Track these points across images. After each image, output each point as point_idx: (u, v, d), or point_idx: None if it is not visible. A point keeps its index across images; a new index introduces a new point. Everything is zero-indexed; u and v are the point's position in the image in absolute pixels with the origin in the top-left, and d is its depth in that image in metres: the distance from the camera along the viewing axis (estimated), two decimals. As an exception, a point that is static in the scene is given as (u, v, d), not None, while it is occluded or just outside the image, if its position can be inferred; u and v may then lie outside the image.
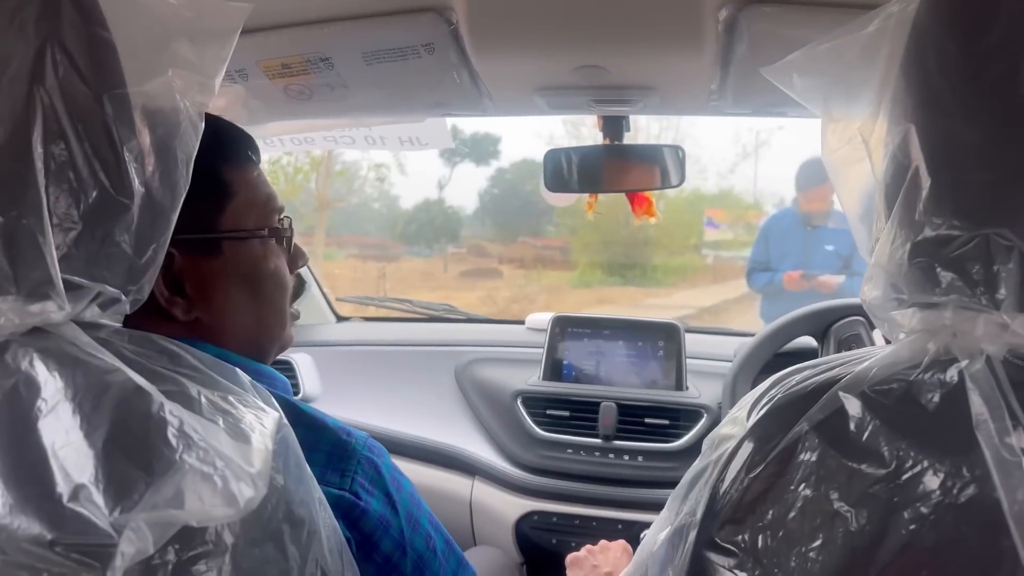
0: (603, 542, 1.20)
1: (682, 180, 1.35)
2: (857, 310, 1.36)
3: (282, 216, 0.83)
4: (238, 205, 0.77)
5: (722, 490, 0.59)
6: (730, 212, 14.81)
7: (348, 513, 0.72)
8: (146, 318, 0.70)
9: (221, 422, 0.55)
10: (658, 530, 0.82)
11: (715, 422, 1.53)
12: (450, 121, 1.61)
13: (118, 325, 0.63)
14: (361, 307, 2.31)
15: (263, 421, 0.58)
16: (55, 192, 0.58)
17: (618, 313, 1.75)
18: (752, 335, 1.89)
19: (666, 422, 1.56)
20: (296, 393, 1.75)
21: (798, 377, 0.61)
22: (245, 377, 0.65)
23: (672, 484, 1.46)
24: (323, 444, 0.75)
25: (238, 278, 0.77)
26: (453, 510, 1.60)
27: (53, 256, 0.57)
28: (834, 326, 1.37)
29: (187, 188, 0.68)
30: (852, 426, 0.54)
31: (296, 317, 0.89)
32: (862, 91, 0.63)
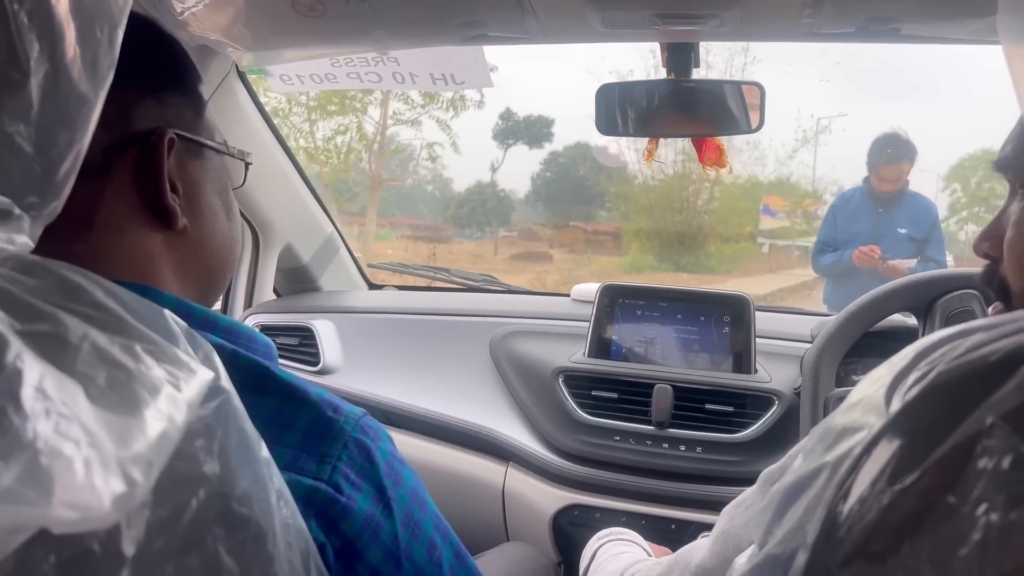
0: None
1: (761, 124, 1.14)
2: (969, 282, 1.14)
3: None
4: (208, 119, 0.68)
5: (848, 507, 0.39)
6: (787, 200, 14.47)
7: (325, 511, 0.55)
8: (136, 222, 0.60)
9: (102, 379, 0.37)
10: (723, 548, 0.63)
11: (788, 410, 1.32)
12: (493, 75, 1.43)
13: (10, 248, 0.46)
14: (395, 275, 2.15)
15: (180, 383, 0.41)
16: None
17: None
18: (827, 315, 1.67)
19: (730, 409, 1.35)
20: (316, 363, 1.60)
21: (968, 343, 0.40)
22: (178, 325, 0.47)
23: (735, 481, 1.28)
24: (300, 421, 0.58)
25: (215, 190, 0.67)
26: (484, 500, 1.43)
27: None
28: (941, 300, 1.14)
29: (112, 72, 0.50)
30: None
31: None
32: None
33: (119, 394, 0.37)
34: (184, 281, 0.63)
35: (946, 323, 1.12)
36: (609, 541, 0.96)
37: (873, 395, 0.43)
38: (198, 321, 0.60)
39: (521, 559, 1.32)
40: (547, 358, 1.49)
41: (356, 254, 2.00)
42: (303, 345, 1.63)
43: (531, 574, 1.30)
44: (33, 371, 0.36)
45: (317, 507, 0.54)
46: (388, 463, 0.60)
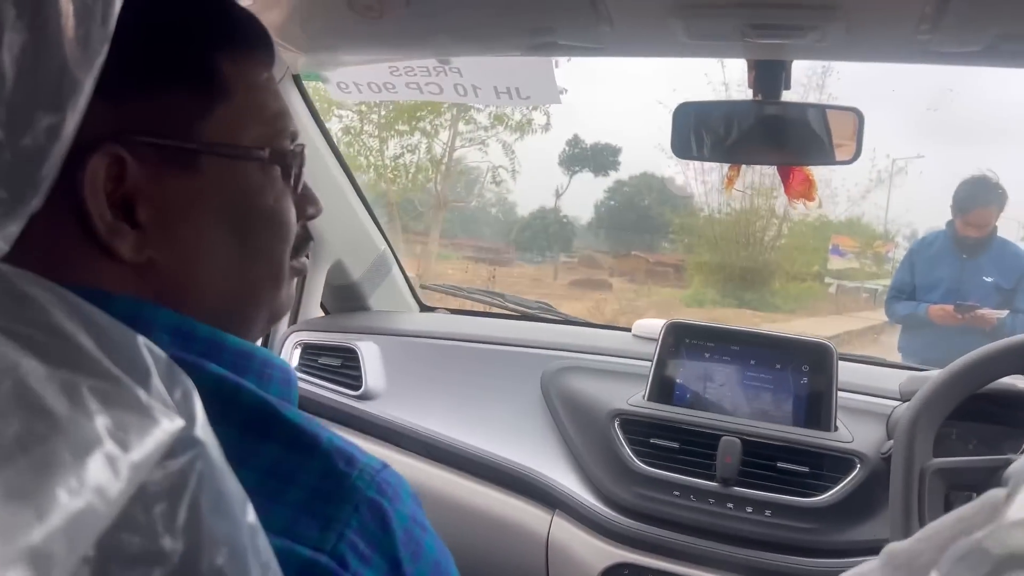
0: None
1: (857, 155, 1.02)
2: (1098, 345, 0.99)
3: (295, 144, 0.59)
4: (233, 110, 0.54)
5: None
6: (857, 240, 14.10)
7: None
8: (80, 252, 0.49)
9: (12, 430, 0.28)
10: None
11: (872, 476, 1.18)
12: (563, 98, 1.34)
13: None
14: (448, 298, 2.07)
15: (129, 437, 0.32)
16: None
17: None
18: (914, 368, 1.52)
19: (805, 469, 1.22)
20: (358, 387, 1.51)
21: None
22: (153, 356, 0.38)
23: (808, 551, 1.13)
24: (306, 474, 0.48)
25: (220, 210, 0.54)
26: (526, 549, 1.32)
27: None
28: (1061, 364, 1.00)
29: (108, 42, 0.42)
30: None
31: (300, 272, 0.63)
32: None
33: (28, 456, 0.28)
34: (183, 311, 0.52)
35: (1068, 391, 0.98)
36: None
37: None
38: (201, 344, 0.51)
39: (563, 619, 1.21)
40: (603, 398, 1.37)
41: (411, 274, 1.93)
42: (346, 367, 1.55)
43: (573, 637, 1.18)
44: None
45: None
46: (407, 530, 0.50)
